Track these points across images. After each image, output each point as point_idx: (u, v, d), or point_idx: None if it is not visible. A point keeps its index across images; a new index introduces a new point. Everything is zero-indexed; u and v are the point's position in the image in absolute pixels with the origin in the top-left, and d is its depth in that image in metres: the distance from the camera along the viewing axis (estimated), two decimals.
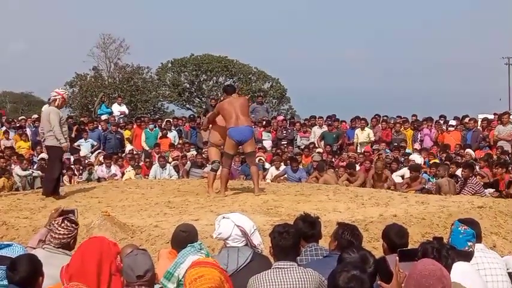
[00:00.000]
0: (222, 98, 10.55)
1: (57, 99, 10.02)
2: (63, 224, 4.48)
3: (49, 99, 19.75)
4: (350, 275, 2.98)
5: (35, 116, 18.60)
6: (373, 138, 16.17)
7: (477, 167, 12.94)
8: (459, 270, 3.92)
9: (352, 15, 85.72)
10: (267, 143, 16.53)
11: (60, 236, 4.45)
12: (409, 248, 4.21)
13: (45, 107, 10.82)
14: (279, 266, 4.12)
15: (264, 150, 15.76)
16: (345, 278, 2.98)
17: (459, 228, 4.32)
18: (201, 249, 4.27)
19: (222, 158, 9.91)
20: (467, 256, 4.30)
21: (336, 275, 3.01)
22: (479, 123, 16.67)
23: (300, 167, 14.16)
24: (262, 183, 12.10)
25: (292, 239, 4.21)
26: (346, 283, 2.96)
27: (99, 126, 16.94)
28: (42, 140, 10.55)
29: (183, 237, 4.63)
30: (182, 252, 4.28)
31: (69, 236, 4.49)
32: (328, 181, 12.63)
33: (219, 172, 10.01)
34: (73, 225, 4.54)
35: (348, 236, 4.50)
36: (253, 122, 17.47)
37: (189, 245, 4.36)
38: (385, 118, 17.38)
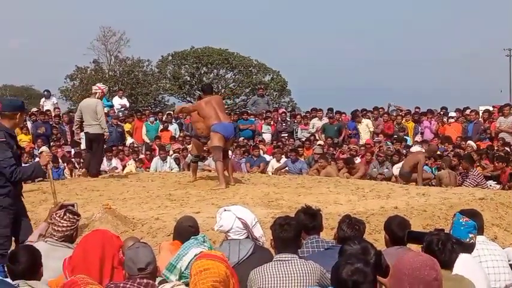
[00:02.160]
0: (201, 97, 10.79)
1: (97, 93, 11.48)
2: (65, 217, 4.50)
3: (44, 91, 19.91)
4: (353, 268, 2.96)
5: (35, 109, 18.55)
6: (372, 129, 16.12)
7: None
8: (461, 262, 3.91)
9: (352, 8, 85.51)
10: (267, 136, 16.52)
11: (64, 229, 4.47)
12: (418, 230, 4.19)
13: (87, 100, 11.87)
14: (280, 259, 4.12)
15: (264, 143, 15.76)
16: (348, 270, 2.96)
17: (460, 220, 4.30)
18: (204, 242, 4.26)
19: (214, 152, 10.02)
20: (469, 248, 4.28)
21: (340, 267, 3.00)
22: (480, 115, 16.63)
23: (301, 159, 14.17)
24: (263, 176, 12.15)
25: (293, 231, 4.21)
26: (350, 276, 2.94)
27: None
28: (76, 129, 12.03)
29: (190, 232, 4.69)
30: (185, 244, 4.28)
31: (72, 227, 4.52)
32: (330, 173, 12.62)
33: (212, 165, 10.25)
34: (75, 216, 4.56)
35: (345, 228, 4.52)
36: (254, 114, 17.51)
37: (192, 237, 4.35)
38: (381, 109, 17.33)
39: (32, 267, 3.77)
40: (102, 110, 11.36)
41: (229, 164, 10.35)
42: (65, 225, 4.47)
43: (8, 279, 3.75)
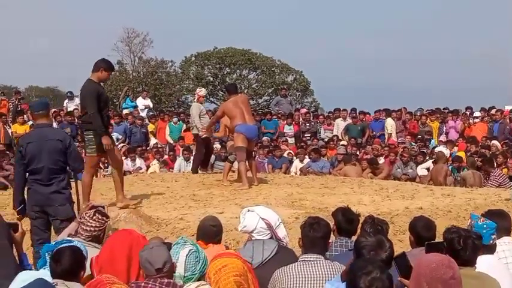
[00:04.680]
0: (226, 98, 10.78)
1: (196, 97, 12.83)
2: (94, 217, 4.56)
3: (67, 93, 20.09)
4: (370, 278, 2.90)
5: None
6: (390, 130, 15.96)
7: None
8: (486, 264, 3.88)
9: (374, 6, 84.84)
10: (289, 136, 16.49)
11: (92, 229, 4.53)
12: (436, 241, 4.16)
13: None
14: (306, 259, 4.12)
15: (287, 144, 15.75)
16: (366, 281, 2.91)
17: (479, 223, 4.23)
18: (185, 242, 4.20)
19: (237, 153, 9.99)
20: (492, 249, 4.24)
21: (356, 279, 2.93)
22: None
23: (325, 159, 14.14)
24: (286, 176, 12.15)
25: (321, 231, 4.19)
26: (368, 287, 2.92)
27: (125, 120, 17.05)
28: (190, 129, 13.42)
29: (214, 232, 4.70)
30: (171, 252, 4.21)
31: (100, 228, 4.57)
32: (348, 173, 12.56)
33: (235, 165, 10.27)
34: (104, 218, 4.62)
35: (368, 228, 4.50)
36: (277, 115, 17.50)
37: (173, 244, 4.30)
38: (403, 109, 17.15)
39: (73, 269, 3.76)
40: (195, 112, 12.33)
41: (254, 164, 10.37)
42: (93, 225, 4.53)
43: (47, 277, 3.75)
